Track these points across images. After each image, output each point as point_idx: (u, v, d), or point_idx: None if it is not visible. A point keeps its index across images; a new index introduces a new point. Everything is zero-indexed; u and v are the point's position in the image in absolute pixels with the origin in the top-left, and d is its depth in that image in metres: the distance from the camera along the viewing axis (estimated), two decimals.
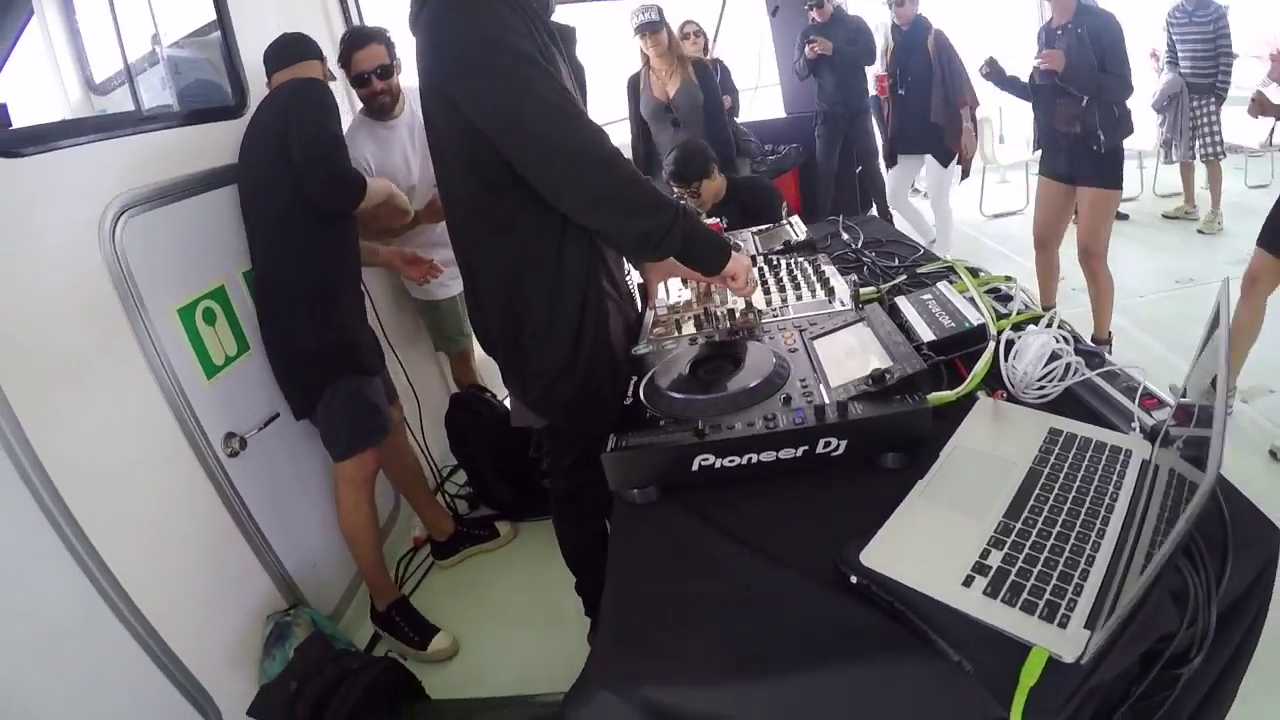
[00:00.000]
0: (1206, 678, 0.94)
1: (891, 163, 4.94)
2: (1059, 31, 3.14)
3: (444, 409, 3.07)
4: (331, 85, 2.24)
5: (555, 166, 1.33)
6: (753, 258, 2.02)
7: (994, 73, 3.45)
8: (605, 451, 1.13)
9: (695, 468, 1.10)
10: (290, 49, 2.28)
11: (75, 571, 1.64)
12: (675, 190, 3.03)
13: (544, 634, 2.39)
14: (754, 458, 1.09)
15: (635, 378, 1.34)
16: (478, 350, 3.25)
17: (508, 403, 3.09)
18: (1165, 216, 5.25)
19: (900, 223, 4.71)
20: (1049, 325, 1.30)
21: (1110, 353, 3.26)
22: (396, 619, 2.43)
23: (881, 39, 5.07)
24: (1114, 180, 3.22)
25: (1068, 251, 3.55)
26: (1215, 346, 0.89)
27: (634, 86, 4.12)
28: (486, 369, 3.44)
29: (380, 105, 2.67)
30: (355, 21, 3.32)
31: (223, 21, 2.41)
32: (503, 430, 2.92)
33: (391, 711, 1.84)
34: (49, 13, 1.94)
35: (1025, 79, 3.42)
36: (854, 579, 0.89)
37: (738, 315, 1.55)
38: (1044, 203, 3.53)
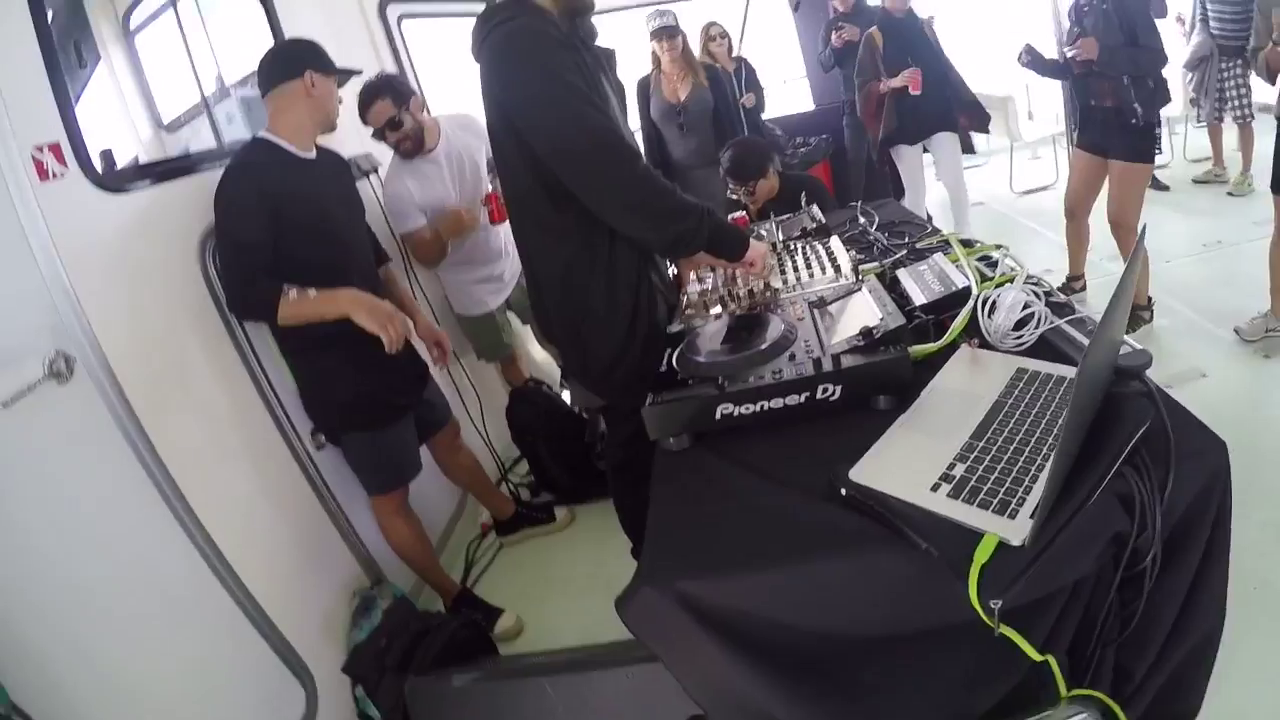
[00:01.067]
0: (1178, 587, 1.08)
1: (881, 157, 4.68)
2: (1085, 9, 3.18)
3: (503, 405, 3.29)
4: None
5: (600, 189, 1.58)
6: (772, 245, 2.23)
7: (1034, 60, 3.48)
8: (644, 407, 1.35)
9: (718, 416, 1.32)
10: (271, 67, 2.14)
11: (189, 548, 1.84)
12: (731, 187, 3.17)
13: (604, 599, 2.48)
14: (765, 405, 1.30)
15: (669, 350, 1.56)
16: (531, 350, 3.48)
17: (563, 395, 3.35)
18: (1195, 181, 5.23)
19: (941, 209, 4.63)
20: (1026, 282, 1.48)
21: (1150, 320, 3.41)
22: (463, 609, 2.57)
23: None
24: (1145, 154, 3.26)
25: (1100, 223, 3.61)
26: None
27: (644, 89, 4.16)
28: (536, 368, 3.68)
29: (405, 151, 2.78)
30: (403, 53, 3.56)
31: None
32: (560, 419, 3.16)
33: (468, 661, 2.05)
34: (115, 59, 2.11)
35: (1055, 57, 3.51)
36: (843, 491, 1.10)
37: (756, 294, 1.76)
38: (1076, 172, 3.63)
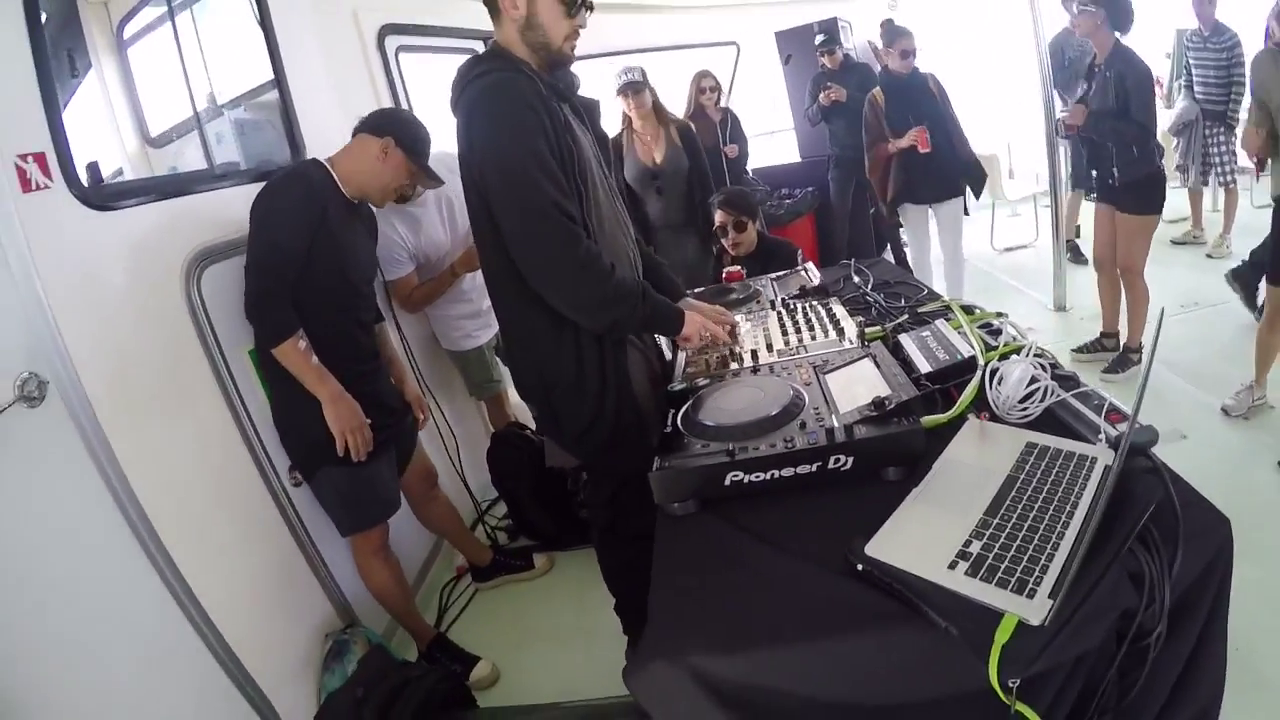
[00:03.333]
0: (1178, 656, 1.09)
1: (891, 218, 4.72)
2: (1096, 70, 3.40)
3: (483, 444, 3.25)
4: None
5: (536, 266, 1.61)
6: (771, 303, 2.24)
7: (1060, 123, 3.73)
8: (651, 471, 1.33)
9: (727, 483, 1.30)
10: (370, 116, 2.30)
11: (158, 585, 1.80)
12: (718, 216, 3.25)
13: (584, 651, 2.53)
14: (776, 473, 1.29)
15: (673, 410, 1.54)
16: (511, 394, 3.44)
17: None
18: (1174, 242, 5.32)
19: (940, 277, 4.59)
20: (1030, 355, 1.48)
21: (1139, 362, 3.58)
22: (437, 655, 2.55)
23: None
24: (1142, 207, 3.48)
25: None
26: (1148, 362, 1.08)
27: (617, 150, 3.98)
28: (521, 409, 3.64)
29: (401, 197, 2.74)
30: (399, 86, 3.56)
31: (280, 83, 2.62)
32: (541, 465, 3.07)
33: (449, 717, 2.00)
34: (106, 68, 2.09)
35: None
36: (860, 566, 1.08)
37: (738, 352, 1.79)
38: (1097, 226, 3.78)
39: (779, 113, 6.18)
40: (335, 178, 2.16)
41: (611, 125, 4.03)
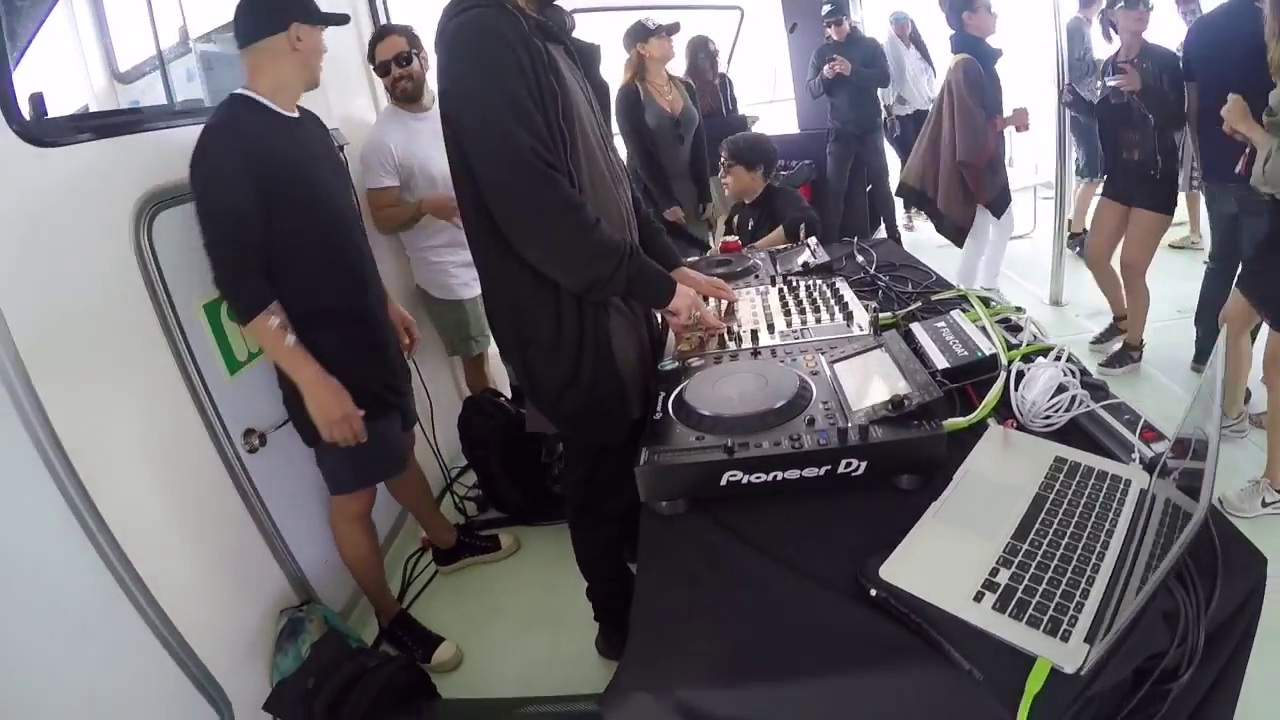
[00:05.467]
0: (1195, 693, 0.99)
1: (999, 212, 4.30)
2: (1131, 62, 3.30)
3: (455, 408, 3.12)
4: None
5: (510, 214, 1.47)
6: (772, 278, 2.10)
7: (1075, 100, 3.78)
8: (637, 464, 1.19)
9: (723, 483, 1.16)
10: (250, 18, 1.94)
11: (94, 559, 1.66)
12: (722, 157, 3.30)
13: (550, 638, 2.43)
14: (779, 475, 1.15)
15: (663, 393, 1.40)
16: (491, 355, 3.31)
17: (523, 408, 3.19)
18: (1172, 246, 5.23)
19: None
20: (1058, 358, 1.36)
21: (1139, 360, 3.63)
22: (399, 633, 2.45)
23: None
24: (1167, 205, 3.45)
25: None
26: (1211, 381, 0.96)
27: (633, 100, 3.87)
28: (498, 374, 3.50)
29: (403, 91, 2.75)
30: (383, 18, 3.37)
31: None
32: (515, 434, 2.97)
33: (407, 710, 1.88)
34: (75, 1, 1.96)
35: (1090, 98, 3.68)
36: (873, 591, 0.96)
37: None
38: (1100, 224, 3.75)
39: (780, 82, 6.02)
40: (263, 102, 1.92)
41: (611, 76, 3.89)
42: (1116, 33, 3.46)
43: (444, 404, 3.20)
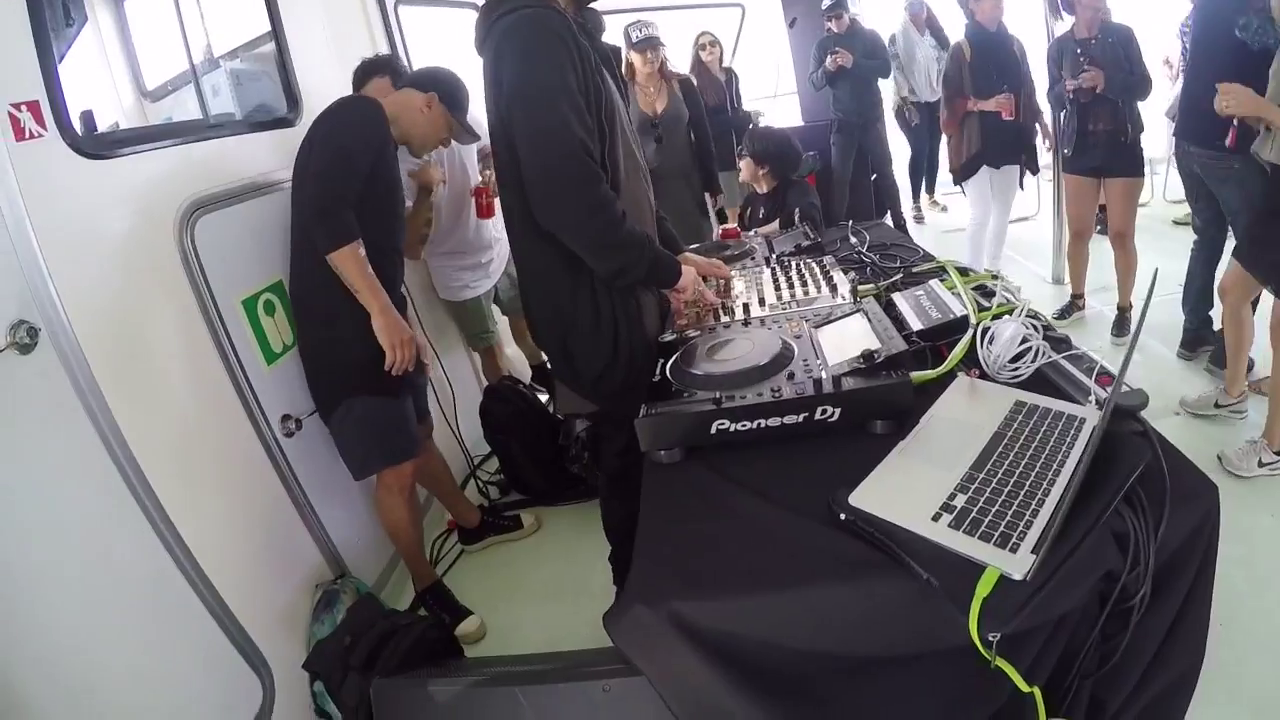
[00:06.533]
0: (1160, 624, 1.09)
1: (961, 180, 4.45)
2: (1093, 41, 3.45)
3: (477, 398, 3.26)
4: None
5: (552, 205, 1.58)
6: (766, 259, 2.22)
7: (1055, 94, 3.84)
8: (638, 418, 1.32)
9: (713, 431, 1.29)
10: (416, 72, 2.44)
11: (149, 533, 1.79)
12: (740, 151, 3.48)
13: (570, 607, 2.54)
14: (763, 422, 1.28)
15: (662, 360, 1.53)
16: (506, 346, 3.46)
17: (537, 394, 3.32)
18: (1176, 222, 5.30)
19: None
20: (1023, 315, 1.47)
21: (1131, 319, 3.75)
22: (430, 601, 2.59)
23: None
24: (1140, 169, 3.70)
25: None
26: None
27: None
28: (513, 362, 3.65)
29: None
30: (399, 41, 3.52)
31: (277, 36, 2.59)
32: (535, 419, 3.13)
33: (435, 663, 2.01)
34: (103, 21, 2.08)
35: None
36: (843, 515, 1.08)
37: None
38: (1076, 199, 3.91)
39: (783, 76, 6.11)
40: (386, 120, 2.21)
41: None
42: (1069, 11, 3.59)
43: (466, 395, 3.34)
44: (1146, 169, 5.27)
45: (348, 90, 2.73)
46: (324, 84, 2.71)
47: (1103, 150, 3.63)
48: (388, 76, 2.70)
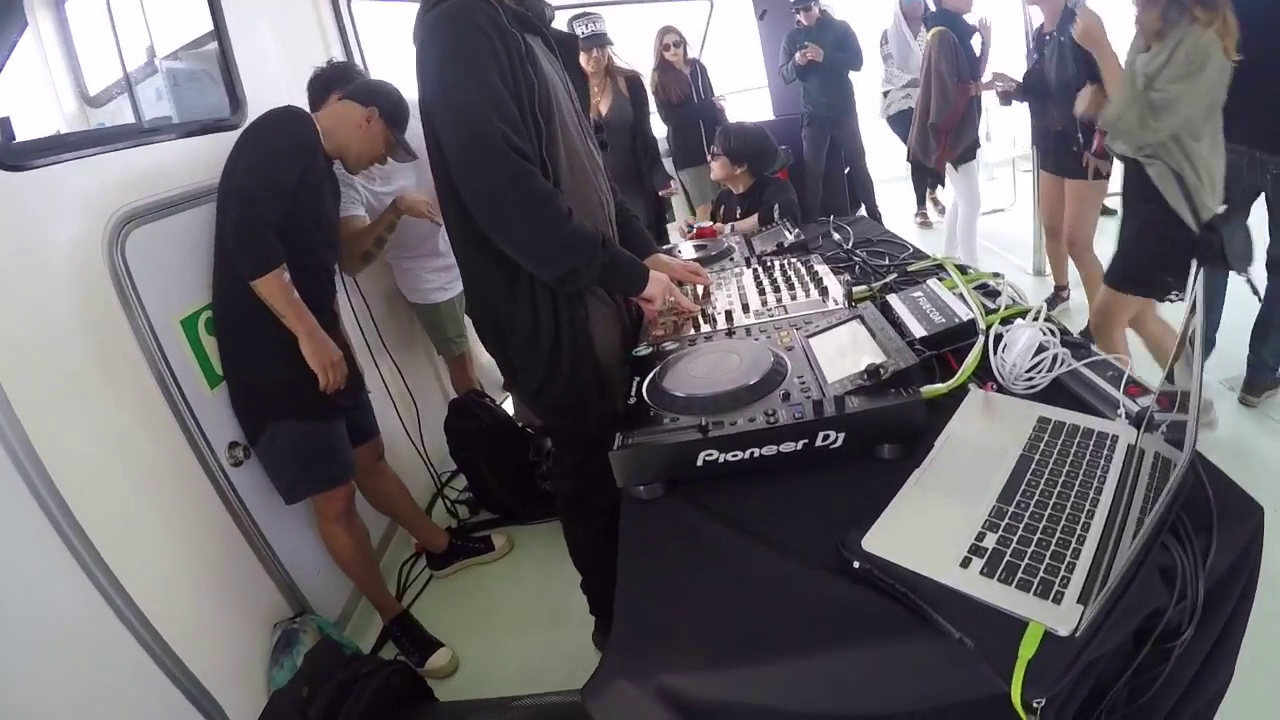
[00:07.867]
0: (1199, 651, 0.98)
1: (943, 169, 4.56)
2: (1047, 38, 3.33)
3: (441, 413, 3.09)
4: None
5: (485, 206, 1.46)
6: (746, 259, 2.08)
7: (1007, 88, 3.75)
8: (612, 450, 1.16)
9: (700, 463, 1.14)
10: (355, 86, 2.32)
11: (81, 578, 1.65)
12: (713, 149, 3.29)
13: (547, 636, 2.41)
14: (756, 452, 1.13)
15: (637, 378, 1.38)
16: (476, 355, 3.30)
17: (506, 406, 3.17)
18: None
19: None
20: (1036, 319, 1.34)
21: (1068, 297, 3.78)
22: (398, 634, 2.45)
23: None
24: (1096, 170, 3.39)
25: None
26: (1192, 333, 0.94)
27: None
28: (484, 374, 3.48)
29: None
30: (349, 32, 3.35)
31: (220, 34, 2.45)
32: (502, 434, 2.97)
33: (402, 715, 1.86)
34: (43, 25, 1.95)
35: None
36: (856, 564, 0.93)
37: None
38: (1044, 195, 3.85)
39: (753, 69, 5.98)
40: (319, 132, 2.12)
41: None
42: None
43: (432, 409, 3.19)
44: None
45: (296, 91, 2.59)
46: (271, 84, 2.57)
47: (1057, 150, 3.53)
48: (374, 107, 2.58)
